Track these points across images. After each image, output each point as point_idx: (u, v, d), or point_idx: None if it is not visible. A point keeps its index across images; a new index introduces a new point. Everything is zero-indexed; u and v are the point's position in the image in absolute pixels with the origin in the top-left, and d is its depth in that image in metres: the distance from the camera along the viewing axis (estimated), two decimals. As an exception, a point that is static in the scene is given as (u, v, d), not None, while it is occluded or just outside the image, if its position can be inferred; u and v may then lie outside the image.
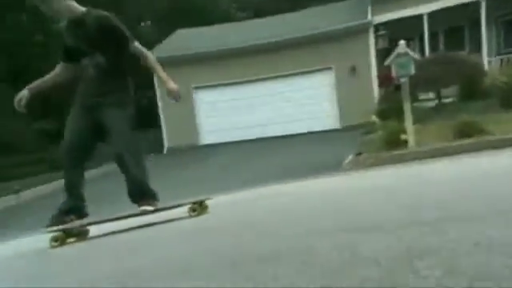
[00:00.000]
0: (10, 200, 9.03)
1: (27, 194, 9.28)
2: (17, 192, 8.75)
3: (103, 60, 2.44)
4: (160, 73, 2.63)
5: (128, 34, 2.52)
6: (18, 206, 8.68)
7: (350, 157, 5.72)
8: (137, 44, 2.55)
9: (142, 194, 2.45)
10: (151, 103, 15.04)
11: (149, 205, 2.42)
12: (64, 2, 2.40)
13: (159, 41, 15.15)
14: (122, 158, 2.42)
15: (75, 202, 2.47)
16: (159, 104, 13.71)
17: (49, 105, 15.37)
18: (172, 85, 2.62)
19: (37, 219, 4.06)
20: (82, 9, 2.47)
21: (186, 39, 14.64)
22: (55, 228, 2.28)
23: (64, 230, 2.29)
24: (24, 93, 2.52)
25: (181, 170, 9.05)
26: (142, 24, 23.56)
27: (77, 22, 2.43)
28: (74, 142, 2.45)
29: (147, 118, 17.17)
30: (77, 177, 2.50)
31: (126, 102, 2.50)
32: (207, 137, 13.50)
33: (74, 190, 2.48)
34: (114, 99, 2.44)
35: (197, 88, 13.38)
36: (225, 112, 13.39)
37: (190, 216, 2.46)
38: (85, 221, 2.43)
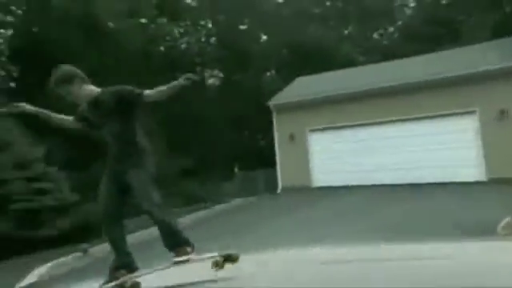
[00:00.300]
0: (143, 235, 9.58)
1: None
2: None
3: (119, 128, 2.56)
4: (174, 87, 2.57)
5: (138, 90, 2.58)
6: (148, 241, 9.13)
7: (508, 219, 4.45)
8: (148, 92, 2.57)
9: (173, 242, 2.50)
10: (269, 144, 15.68)
11: (183, 254, 2.45)
12: (84, 89, 2.61)
13: (283, 88, 16.15)
14: (150, 214, 2.51)
15: (122, 258, 2.60)
16: (276, 145, 14.21)
17: (188, 145, 17.63)
18: (177, 82, 2.60)
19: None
20: (98, 90, 2.66)
21: (305, 85, 15.17)
22: (109, 285, 2.36)
23: (117, 285, 2.37)
24: (25, 107, 2.65)
25: (292, 212, 8.79)
26: (268, 74, 25.50)
27: (94, 103, 2.59)
28: (108, 205, 2.66)
29: (265, 158, 17.64)
30: (117, 235, 2.67)
31: (145, 161, 2.61)
32: (321, 179, 13.12)
33: (118, 248, 2.65)
34: (134, 161, 2.57)
35: (312, 131, 13.39)
36: (341, 155, 12.88)
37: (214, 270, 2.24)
38: (135, 274, 2.47)
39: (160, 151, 18.57)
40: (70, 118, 2.74)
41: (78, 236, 11.36)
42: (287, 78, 19.63)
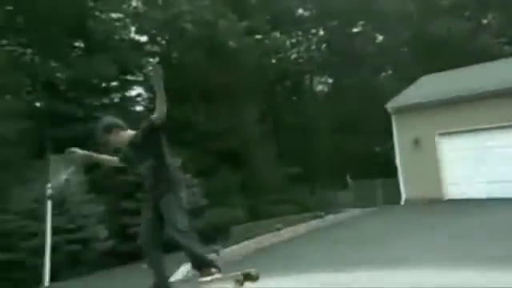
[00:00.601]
0: (271, 238, 9.37)
1: (287, 233, 9.55)
2: (279, 229, 9.59)
3: (153, 162, 3.00)
4: (162, 97, 2.85)
5: (153, 120, 2.93)
6: (278, 244, 8.86)
7: None
8: (154, 115, 2.92)
9: (199, 264, 2.82)
10: (386, 150, 14.61)
11: (207, 274, 2.74)
12: (121, 136, 3.10)
13: (401, 88, 14.95)
14: (174, 240, 2.81)
15: (161, 281, 2.96)
16: (396, 151, 13.06)
17: (296, 153, 17.91)
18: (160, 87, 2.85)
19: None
20: (132, 132, 3.11)
21: (432, 84, 13.63)
22: None
23: None
24: (76, 152, 3.18)
25: (421, 229, 7.82)
26: (383, 74, 24.07)
27: (131, 144, 3.07)
28: (147, 233, 3.01)
29: (381, 166, 16.53)
30: (156, 260, 3.00)
31: (176, 189, 2.96)
32: (453, 190, 11.47)
33: (157, 272, 2.97)
34: (166, 188, 2.95)
35: (442, 135, 11.86)
36: (479, 162, 11.05)
37: None
38: None
39: (269, 159, 19.42)
40: (116, 158, 3.26)
41: (209, 237, 12.59)
42: (406, 77, 18.05)
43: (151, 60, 18.32)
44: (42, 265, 9.19)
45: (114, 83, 16.79)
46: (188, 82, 16.83)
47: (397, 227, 8.62)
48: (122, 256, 11.46)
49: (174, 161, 3.15)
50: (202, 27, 15.57)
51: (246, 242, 8.74)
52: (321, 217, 11.89)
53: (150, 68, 3.02)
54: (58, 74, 14.20)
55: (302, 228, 10.42)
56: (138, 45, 17.42)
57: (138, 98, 17.89)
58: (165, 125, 2.98)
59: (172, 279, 6.07)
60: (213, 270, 2.81)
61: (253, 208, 15.58)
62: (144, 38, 17.65)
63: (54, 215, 9.70)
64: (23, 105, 13.08)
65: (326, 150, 20.99)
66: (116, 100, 16.91)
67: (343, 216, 12.11)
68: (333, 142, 21.06)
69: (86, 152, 3.28)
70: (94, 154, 3.31)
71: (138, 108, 18.02)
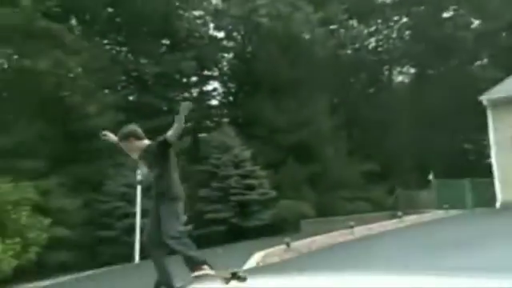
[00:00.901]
0: (344, 235, 9.12)
1: (360, 231, 9.28)
2: (351, 227, 9.19)
3: (156, 171, 3.52)
4: (181, 122, 3.39)
5: (167, 139, 3.43)
6: (350, 242, 8.56)
7: None
8: (169, 133, 3.43)
9: (192, 264, 3.18)
10: (477, 147, 12.98)
11: (199, 270, 3.11)
12: (135, 144, 3.59)
13: (499, 79, 13.16)
14: (167, 245, 3.27)
15: (163, 276, 3.38)
16: (492, 148, 11.52)
17: (372, 149, 17.00)
18: (182, 113, 3.35)
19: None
20: (148, 143, 3.61)
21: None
22: None
23: None
24: (112, 138, 3.83)
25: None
26: (478, 63, 21.43)
27: (145, 151, 3.60)
28: (150, 231, 3.49)
29: (470, 164, 14.83)
30: (159, 257, 3.43)
31: (172, 198, 3.41)
32: None
33: (159, 268, 3.39)
34: (164, 196, 3.42)
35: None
36: None
37: None
38: None
39: (341, 154, 18.73)
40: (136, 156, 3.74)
41: (277, 228, 12.80)
42: (504, 66, 15.75)
43: (226, 55, 19.02)
44: (133, 243, 10.39)
45: (194, 78, 17.90)
46: (260, 76, 17.15)
47: (493, 232, 7.57)
48: (198, 240, 12.32)
49: (176, 176, 3.60)
50: (277, 20, 15.64)
51: (317, 237, 8.70)
52: (398, 217, 11.19)
53: (183, 104, 3.42)
54: (147, 70, 15.59)
55: (376, 227, 9.95)
56: (216, 40, 18.25)
57: (214, 93, 18.83)
58: (175, 144, 3.53)
59: (245, 267, 6.34)
60: (204, 267, 3.17)
61: (322, 203, 15.35)
62: (221, 34, 18.45)
63: (142, 199, 10.89)
64: (119, 98, 14.72)
65: (405, 145, 19.56)
66: (195, 94, 18.03)
67: (424, 217, 11.16)
68: (414, 138, 19.48)
69: (115, 139, 3.81)
70: (121, 143, 3.72)
71: (214, 102, 18.94)
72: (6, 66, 13.12)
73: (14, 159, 10.38)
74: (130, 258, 10.44)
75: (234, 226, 13.09)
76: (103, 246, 11.37)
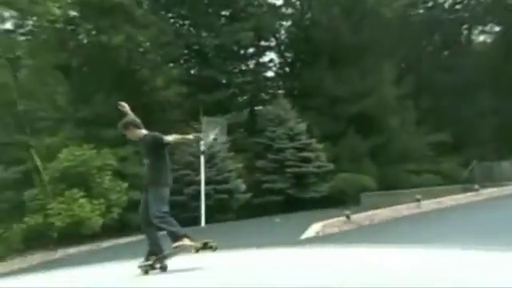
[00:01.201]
0: (410, 208, 8.78)
1: (428, 205, 8.88)
2: (418, 200, 8.78)
3: (148, 160, 4.08)
4: (185, 138, 4.35)
5: (164, 138, 4.01)
6: (417, 216, 8.21)
7: None
8: (168, 137, 4.04)
9: (174, 237, 3.86)
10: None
11: (179, 241, 3.81)
12: (135, 133, 4.16)
13: None
14: (153, 223, 3.93)
15: (153, 248, 4.00)
16: None
17: (444, 118, 15.68)
18: (191, 136, 4.42)
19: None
20: (145, 133, 4.18)
21: None
22: (144, 263, 3.98)
23: (149, 265, 3.94)
24: (129, 111, 4.40)
25: None
26: None
27: (141, 140, 4.19)
28: (142, 211, 4.10)
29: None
30: (150, 232, 4.05)
31: (159, 185, 4.00)
32: None
33: (151, 241, 4.04)
34: (152, 183, 4.02)
35: None
36: None
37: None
38: (160, 256, 3.97)
39: (408, 124, 17.32)
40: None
41: (336, 200, 12.69)
42: None
43: (284, 23, 18.42)
44: (199, 208, 11.17)
45: (251, 50, 17.87)
46: (319, 43, 16.48)
47: None
48: (256, 209, 12.83)
49: (166, 166, 4.12)
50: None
51: (379, 210, 8.46)
52: (475, 190, 10.32)
53: (195, 136, 3.93)
54: (207, 43, 15.89)
55: (447, 201, 9.33)
56: (274, 8, 17.89)
57: (270, 64, 18.69)
58: (168, 146, 4.12)
59: (304, 236, 6.46)
60: (184, 239, 3.83)
61: (385, 176, 14.78)
62: (279, 1, 17.98)
63: (206, 168, 11.53)
64: (183, 72, 15.33)
65: (484, 114, 17.53)
66: (251, 66, 18.06)
67: (506, 190, 10.13)
68: (494, 105, 17.32)
69: (130, 113, 4.42)
70: (123, 132, 4.31)
71: (270, 74, 18.79)
72: (85, 41, 14.07)
73: (96, 128, 11.53)
74: (197, 221, 11.30)
75: (291, 197, 13.32)
76: (173, 210, 12.39)
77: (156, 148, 4.01)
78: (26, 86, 12.54)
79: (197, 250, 3.81)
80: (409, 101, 16.93)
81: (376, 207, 8.91)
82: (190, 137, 4.47)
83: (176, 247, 3.79)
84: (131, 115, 4.29)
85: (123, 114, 4.38)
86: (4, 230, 9.78)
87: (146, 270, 3.90)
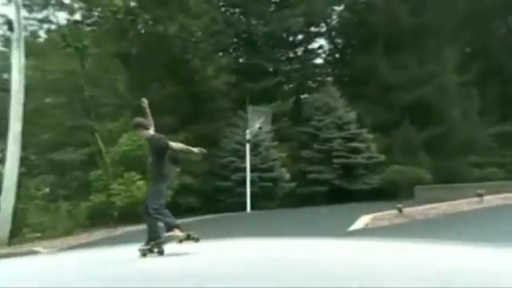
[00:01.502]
0: (470, 203, 8.17)
1: (492, 200, 8.26)
2: (480, 195, 8.19)
3: (151, 158, 4.69)
4: (189, 149, 4.81)
5: (167, 143, 4.56)
6: (479, 211, 7.60)
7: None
8: (172, 143, 4.64)
9: (167, 227, 4.38)
10: None
11: (170, 232, 4.35)
12: (144, 133, 4.66)
13: None
14: (151, 214, 4.41)
15: (151, 235, 4.50)
16: None
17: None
18: (195, 149, 4.81)
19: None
20: (152, 133, 4.68)
21: None
22: (142, 248, 4.50)
23: (148, 249, 4.46)
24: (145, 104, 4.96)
25: None
26: None
27: (148, 140, 4.72)
28: (144, 203, 4.62)
29: None
30: (149, 221, 4.53)
31: (157, 181, 4.52)
32: None
33: (150, 229, 4.54)
34: (154, 178, 4.59)
35: None
36: None
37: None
38: (157, 241, 4.47)
39: (471, 114, 15.78)
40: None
41: (386, 193, 12.15)
42: None
43: (336, 8, 17.69)
44: (245, 194, 11.39)
45: (300, 36, 17.47)
46: (374, 28, 15.64)
47: None
48: (300, 199, 12.73)
49: (166, 165, 4.56)
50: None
51: (436, 204, 7.95)
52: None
53: (199, 149, 4.43)
54: (257, 31, 15.83)
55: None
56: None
57: (319, 51, 18.24)
58: (169, 150, 4.59)
59: (352, 228, 6.30)
60: (176, 230, 4.30)
61: (442, 169, 13.85)
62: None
63: (251, 156, 11.66)
64: (231, 60, 15.50)
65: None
66: (299, 53, 17.70)
67: None
68: None
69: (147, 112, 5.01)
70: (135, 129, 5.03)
71: (319, 61, 18.24)
72: (143, 31, 14.53)
73: (152, 116, 12.14)
74: (242, 207, 11.55)
75: (337, 188, 13.03)
76: (221, 195, 12.82)
77: (159, 149, 4.52)
78: (91, 73, 13.51)
79: (180, 241, 4.32)
80: (473, 88, 15.48)
81: (431, 201, 8.36)
82: (195, 150, 4.76)
83: (168, 236, 4.35)
84: (147, 114, 4.84)
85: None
86: (73, 207, 10.84)
87: (145, 253, 4.44)
